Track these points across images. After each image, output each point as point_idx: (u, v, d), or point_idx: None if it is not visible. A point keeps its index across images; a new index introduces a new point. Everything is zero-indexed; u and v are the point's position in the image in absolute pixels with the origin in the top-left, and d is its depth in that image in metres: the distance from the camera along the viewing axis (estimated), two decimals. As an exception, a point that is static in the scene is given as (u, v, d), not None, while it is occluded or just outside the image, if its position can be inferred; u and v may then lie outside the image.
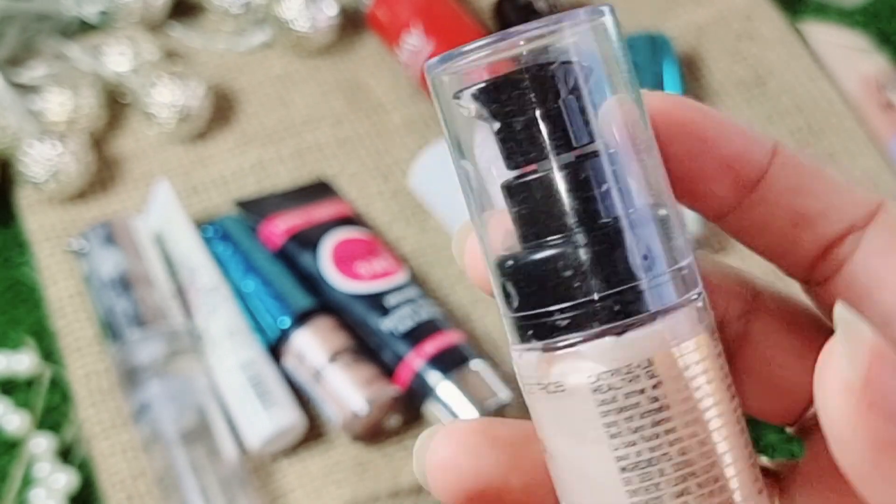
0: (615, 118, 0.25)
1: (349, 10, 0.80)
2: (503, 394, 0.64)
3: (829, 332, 0.24)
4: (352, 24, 0.80)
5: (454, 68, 0.25)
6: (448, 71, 0.25)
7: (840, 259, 0.27)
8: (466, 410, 0.63)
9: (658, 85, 0.74)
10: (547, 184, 0.25)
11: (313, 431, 0.65)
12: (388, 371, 0.65)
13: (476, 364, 0.64)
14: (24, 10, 0.77)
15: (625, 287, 0.24)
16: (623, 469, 0.25)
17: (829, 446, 0.23)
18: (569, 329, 0.25)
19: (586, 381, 0.25)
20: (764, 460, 0.28)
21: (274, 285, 0.67)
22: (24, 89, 0.74)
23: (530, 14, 0.77)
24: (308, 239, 0.69)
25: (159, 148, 0.75)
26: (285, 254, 0.69)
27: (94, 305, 0.68)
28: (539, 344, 0.25)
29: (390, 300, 0.66)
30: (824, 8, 0.82)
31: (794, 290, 0.29)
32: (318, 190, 0.73)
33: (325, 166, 0.75)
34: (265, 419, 0.63)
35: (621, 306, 0.24)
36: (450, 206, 0.71)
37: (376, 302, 0.66)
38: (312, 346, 0.65)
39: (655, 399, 0.24)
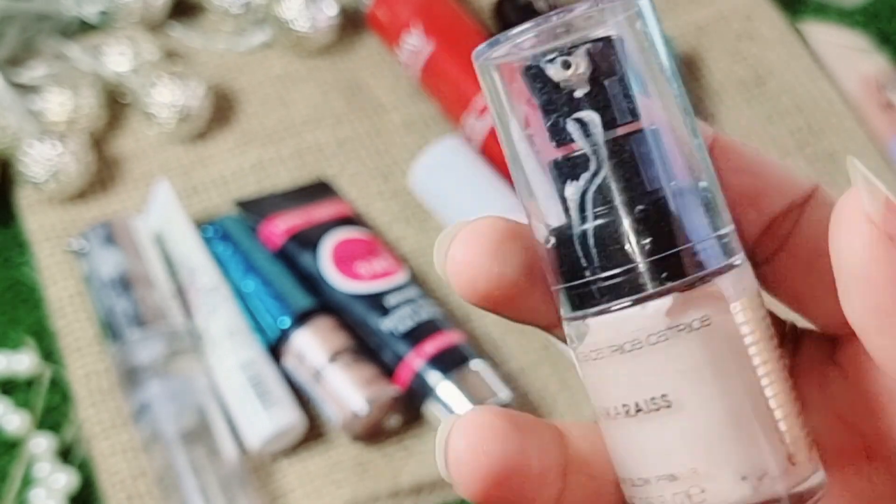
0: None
1: (349, 10, 0.80)
2: (503, 394, 0.64)
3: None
4: (352, 24, 0.80)
5: (511, 50, 0.27)
6: (503, 54, 0.27)
7: (783, 234, 0.27)
8: (467, 410, 0.63)
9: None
10: (654, 137, 0.26)
11: (313, 431, 0.65)
12: (388, 371, 0.65)
13: (476, 364, 0.64)
14: (24, 10, 0.77)
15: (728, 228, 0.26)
16: (770, 398, 0.26)
17: (841, 292, 0.24)
18: (704, 265, 0.26)
19: (734, 313, 0.26)
20: None
21: (274, 285, 0.67)
22: (25, 89, 0.74)
23: (530, 14, 0.77)
24: (308, 239, 0.69)
25: (159, 148, 0.75)
26: (285, 254, 0.69)
27: (94, 305, 0.68)
28: (678, 283, 0.25)
29: (390, 300, 0.66)
30: (824, 8, 0.82)
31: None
32: (318, 190, 0.73)
33: (325, 166, 0.75)
34: (265, 419, 0.63)
35: (733, 241, 0.26)
36: (450, 206, 0.71)
37: (376, 302, 0.66)
38: (312, 346, 0.65)
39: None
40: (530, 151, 0.27)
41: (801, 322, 0.29)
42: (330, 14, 0.78)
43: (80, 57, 0.76)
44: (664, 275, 0.25)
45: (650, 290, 0.25)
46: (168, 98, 0.73)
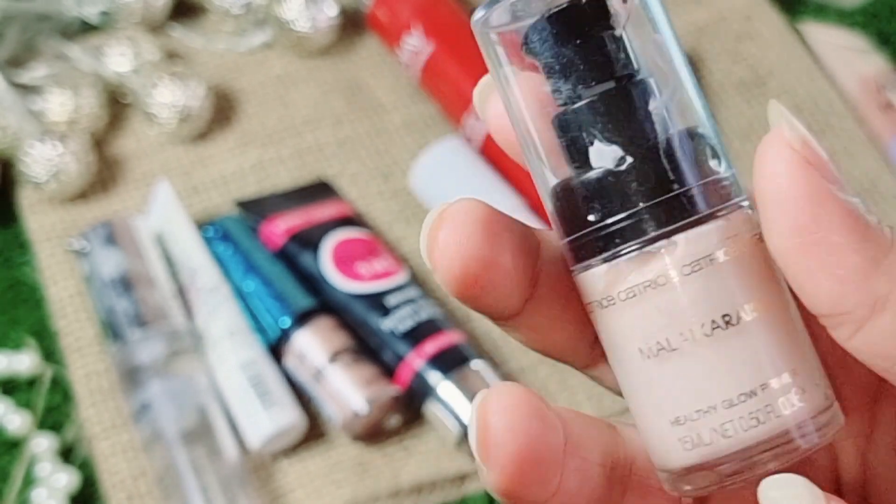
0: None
1: (349, 10, 0.80)
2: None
3: None
4: (352, 24, 0.80)
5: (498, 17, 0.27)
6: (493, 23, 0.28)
7: None
8: (467, 410, 0.63)
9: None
10: (646, 90, 0.27)
11: (314, 431, 0.65)
12: (388, 371, 0.65)
13: (476, 364, 0.64)
14: (24, 11, 0.77)
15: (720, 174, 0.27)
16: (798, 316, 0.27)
17: (765, 223, 0.25)
18: (733, 194, 0.27)
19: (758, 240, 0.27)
20: None
21: (274, 285, 0.67)
22: (25, 90, 0.75)
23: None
24: (308, 239, 0.69)
25: (160, 148, 0.75)
26: (286, 254, 0.69)
27: (94, 305, 0.68)
28: (721, 207, 0.27)
29: (391, 300, 0.67)
30: (824, 8, 0.82)
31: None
32: (319, 190, 0.73)
33: (325, 166, 0.75)
34: (265, 419, 0.63)
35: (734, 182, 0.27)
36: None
37: (377, 302, 0.66)
38: (313, 345, 0.65)
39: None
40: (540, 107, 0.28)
41: None
42: (330, 14, 0.78)
43: (80, 57, 0.76)
44: (712, 201, 0.27)
45: (698, 214, 0.26)
46: (169, 98, 0.73)
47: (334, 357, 0.65)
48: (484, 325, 0.69)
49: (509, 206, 0.67)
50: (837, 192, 0.25)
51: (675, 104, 0.28)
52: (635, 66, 0.27)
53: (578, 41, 0.27)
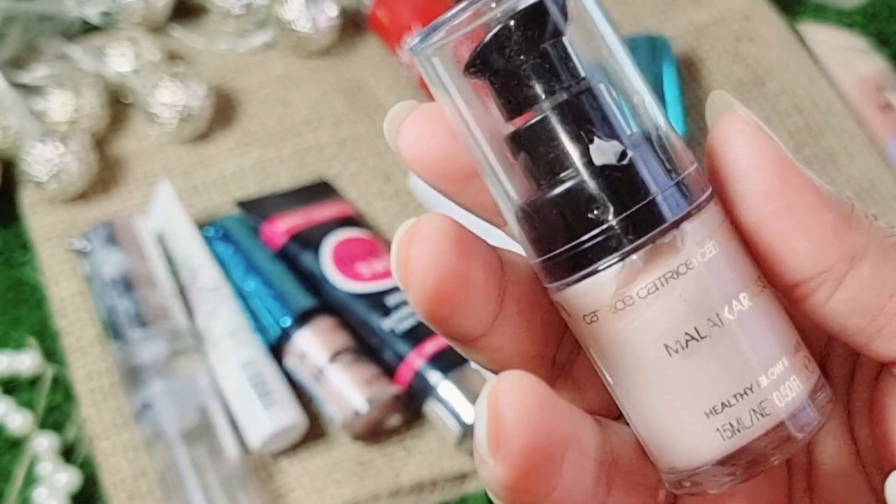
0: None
1: (350, 11, 0.80)
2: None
3: None
4: (352, 24, 0.80)
5: (438, 39, 0.27)
6: (434, 45, 0.27)
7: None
8: (467, 410, 0.63)
9: (657, 86, 0.74)
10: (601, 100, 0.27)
11: (314, 431, 0.65)
12: (388, 370, 0.65)
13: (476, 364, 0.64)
14: (26, 11, 0.77)
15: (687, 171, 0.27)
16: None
17: (738, 200, 0.26)
18: (706, 183, 0.27)
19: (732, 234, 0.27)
20: None
21: (275, 285, 0.67)
22: (27, 90, 0.75)
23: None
24: (309, 239, 0.69)
25: (161, 148, 0.75)
26: (286, 254, 0.69)
27: (95, 305, 0.68)
28: (703, 196, 0.26)
29: (391, 300, 0.67)
30: (823, 9, 0.83)
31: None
32: (319, 190, 0.73)
33: (325, 167, 0.75)
34: (266, 418, 0.63)
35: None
36: (451, 207, 0.72)
37: (377, 301, 0.67)
38: (313, 345, 0.65)
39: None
40: (486, 127, 0.27)
41: None
42: (331, 15, 0.78)
43: (81, 58, 0.76)
44: (702, 186, 0.27)
45: (698, 200, 0.26)
46: (169, 98, 0.74)
47: (335, 357, 0.65)
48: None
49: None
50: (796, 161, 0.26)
51: (643, 97, 0.27)
52: (588, 63, 0.27)
53: (546, 43, 0.26)
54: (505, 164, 0.27)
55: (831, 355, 0.30)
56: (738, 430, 0.26)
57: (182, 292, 0.68)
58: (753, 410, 0.26)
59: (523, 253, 0.28)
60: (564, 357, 0.29)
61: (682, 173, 0.26)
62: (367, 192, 0.74)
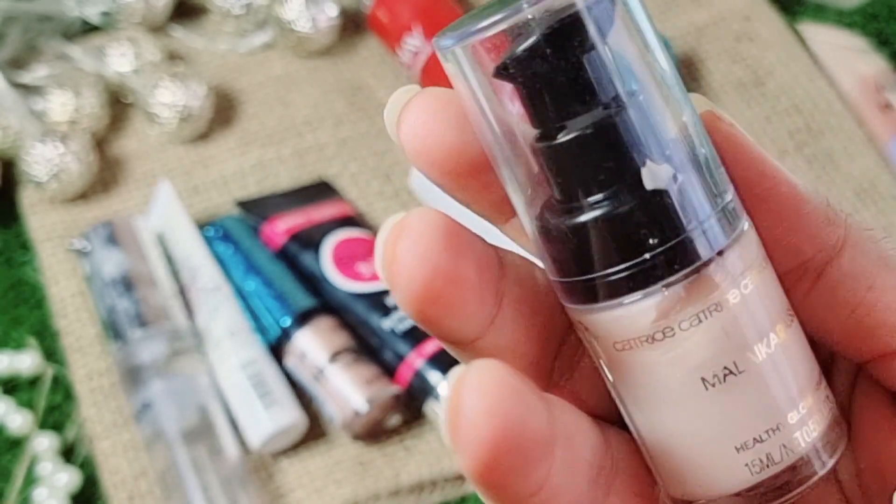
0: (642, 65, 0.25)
1: (350, 11, 0.80)
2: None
3: None
4: (353, 25, 0.80)
5: (472, 40, 0.25)
6: (466, 43, 0.25)
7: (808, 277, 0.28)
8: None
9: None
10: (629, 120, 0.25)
11: (314, 431, 0.65)
12: (388, 370, 0.65)
13: (476, 363, 0.64)
14: (26, 11, 0.77)
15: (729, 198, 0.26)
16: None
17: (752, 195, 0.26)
18: (742, 207, 0.26)
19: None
20: None
21: (275, 285, 0.67)
22: (27, 90, 0.75)
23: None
24: (309, 239, 0.69)
25: (161, 148, 0.75)
26: (286, 254, 0.69)
27: (95, 305, 0.68)
28: (744, 222, 0.25)
29: (391, 300, 0.67)
30: (823, 9, 0.83)
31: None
32: (319, 190, 0.73)
33: (325, 167, 0.75)
34: (266, 418, 0.63)
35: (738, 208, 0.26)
36: (450, 207, 0.72)
37: (377, 301, 0.67)
38: (313, 345, 0.65)
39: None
40: (518, 139, 0.25)
41: None
42: (331, 15, 0.78)
43: (82, 58, 0.76)
44: (740, 212, 0.26)
45: (740, 227, 0.25)
46: (169, 98, 0.74)
47: (335, 357, 0.65)
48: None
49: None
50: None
51: (690, 116, 0.26)
52: (649, 77, 0.25)
53: (590, 52, 0.24)
54: (532, 174, 0.25)
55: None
56: (768, 466, 0.26)
57: (182, 292, 0.68)
58: (784, 446, 0.25)
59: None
60: (565, 363, 0.27)
61: (726, 198, 0.25)
62: (367, 192, 0.74)
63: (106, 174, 0.74)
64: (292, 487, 0.64)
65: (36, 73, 0.76)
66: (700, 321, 0.25)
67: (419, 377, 0.64)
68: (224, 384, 0.65)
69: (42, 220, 0.72)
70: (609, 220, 0.24)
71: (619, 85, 0.24)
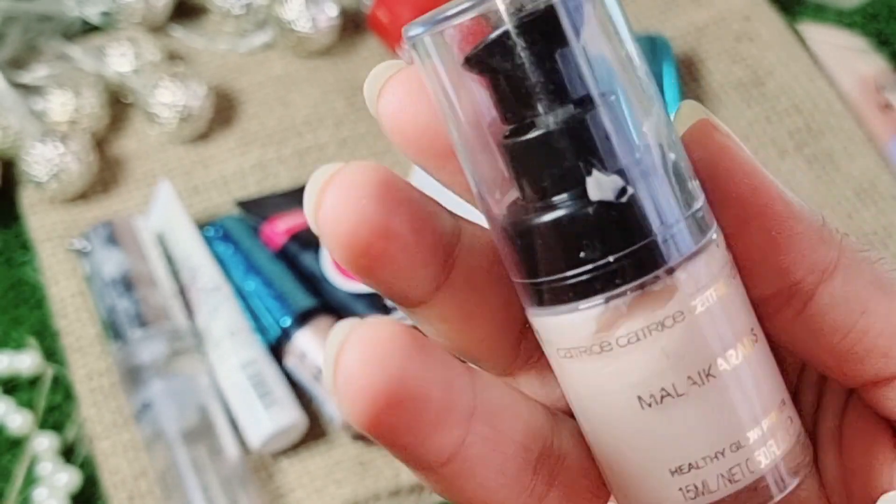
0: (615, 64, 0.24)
1: (350, 11, 0.80)
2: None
3: None
4: (353, 25, 0.80)
5: (441, 28, 0.24)
6: (435, 34, 0.24)
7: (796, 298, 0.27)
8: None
9: (657, 86, 0.74)
10: (604, 117, 0.24)
11: (314, 431, 0.65)
12: (388, 370, 0.65)
13: (476, 363, 0.65)
14: (26, 11, 0.77)
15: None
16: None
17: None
18: (711, 221, 0.25)
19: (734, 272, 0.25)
20: None
21: (275, 285, 0.67)
22: (27, 90, 0.75)
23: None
24: (309, 239, 0.69)
25: (161, 148, 0.75)
26: (286, 254, 0.69)
27: (95, 305, 0.68)
28: (704, 239, 0.24)
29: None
30: (823, 9, 0.83)
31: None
32: (319, 190, 0.73)
33: (325, 167, 0.75)
34: (266, 418, 0.63)
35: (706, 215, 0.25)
36: (451, 207, 0.72)
37: (377, 301, 0.67)
38: (313, 345, 0.65)
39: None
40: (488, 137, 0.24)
41: None
42: (331, 15, 0.78)
43: (82, 58, 0.76)
44: (704, 227, 0.24)
45: (699, 244, 0.24)
46: (169, 98, 0.74)
47: (335, 356, 0.65)
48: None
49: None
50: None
51: (659, 122, 0.24)
52: (613, 80, 0.24)
53: (555, 50, 0.23)
54: (494, 169, 0.25)
55: (801, 381, 0.28)
56: (702, 493, 0.24)
57: (182, 292, 0.68)
58: (722, 475, 0.24)
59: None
60: (533, 346, 0.26)
61: (689, 211, 0.24)
62: (367, 192, 0.74)
63: (106, 174, 0.74)
64: (292, 487, 0.64)
65: (36, 73, 0.76)
66: (638, 339, 0.24)
67: (419, 377, 0.64)
68: (224, 384, 0.65)
69: (42, 220, 0.72)
70: (553, 227, 0.24)
71: (579, 88, 0.24)
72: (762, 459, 0.24)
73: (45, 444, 0.64)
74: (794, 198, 0.25)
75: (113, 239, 0.68)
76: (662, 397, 0.24)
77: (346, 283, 0.67)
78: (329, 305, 0.67)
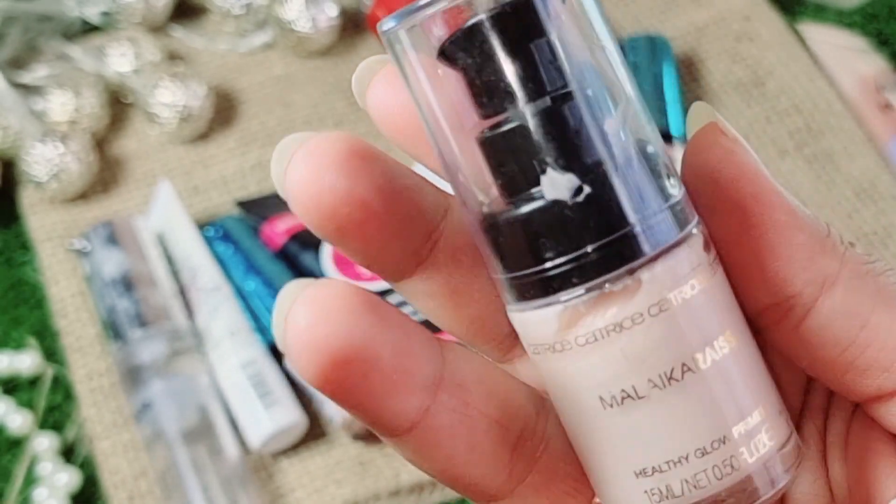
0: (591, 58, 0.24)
1: (350, 11, 0.80)
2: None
3: None
4: (352, 25, 0.80)
5: (415, 20, 0.24)
6: (408, 25, 0.24)
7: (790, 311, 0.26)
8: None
9: (657, 86, 0.74)
10: (575, 112, 0.23)
11: (314, 431, 0.65)
12: (388, 370, 0.65)
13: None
14: (26, 11, 0.77)
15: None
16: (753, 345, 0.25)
17: (703, 204, 0.25)
18: (685, 222, 0.24)
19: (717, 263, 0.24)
20: None
21: (275, 285, 0.67)
22: (27, 90, 0.75)
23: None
24: (309, 239, 0.69)
25: (161, 148, 0.75)
26: (286, 254, 0.69)
27: (95, 305, 0.68)
28: (672, 240, 0.23)
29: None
30: (823, 9, 0.83)
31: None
32: (319, 190, 0.73)
33: (325, 167, 0.75)
34: (266, 418, 0.63)
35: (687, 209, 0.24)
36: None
37: (377, 302, 0.66)
38: (313, 345, 0.65)
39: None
40: (460, 126, 0.24)
41: None
42: (331, 15, 0.78)
43: (82, 58, 0.76)
44: (674, 228, 0.24)
45: (663, 246, 0.23)
46: (169, 98, 0.74)
47: (335, 356, 0.65)
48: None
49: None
50: (772, 180, 0.25)
51: (627, 119, 0.24)
52: (576, 77, 0.23)
53: (525, 48, 0.23)
54: (469, 163, 0.24)
55: (810, 388, 0.27)
56: (667, 498, 0.24)
57: (182, 292, 0.68)
58: (687, 481, 0.24)
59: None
60: None
61: (658, 210, 0.23)
62: (367, 192, 0.74)
63: (106, 174, 0.74)
64: (292, 487, 0.64)
65: (36, 73, 0.76)
66: (596, 339, 0.23)
67: (419, 377, 0.64)
68: (224, 384, 0.65)
69: (42, 220, 0.72)
70: (511, 224, 0.24)
71: (538, 85, 0.23)
72: (732, 467, 0.24)
73: (45, 444, 0.64)
74: (798, 207, 0.25)
75: (113, 239, 0.68)
76: (623, 399, 0.24)
77: (346, 283, 0.67)
78: (329, 305, 0.67)
